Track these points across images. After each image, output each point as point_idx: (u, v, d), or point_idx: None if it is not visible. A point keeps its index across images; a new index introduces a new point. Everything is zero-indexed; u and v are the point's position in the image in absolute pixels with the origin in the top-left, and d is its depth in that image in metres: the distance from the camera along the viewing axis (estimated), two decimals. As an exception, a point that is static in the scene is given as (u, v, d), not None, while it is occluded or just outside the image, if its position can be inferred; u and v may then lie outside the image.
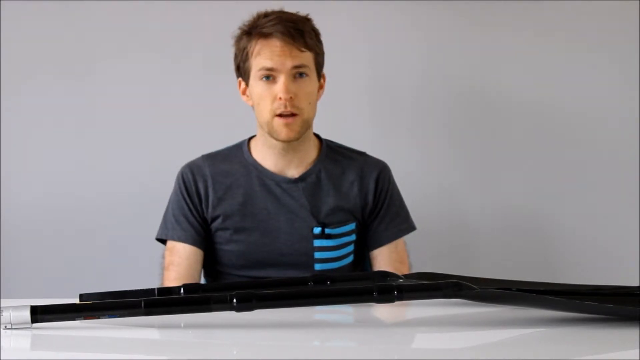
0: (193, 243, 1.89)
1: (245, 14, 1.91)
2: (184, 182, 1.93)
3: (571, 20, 2.46)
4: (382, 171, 1.96)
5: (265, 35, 1.83)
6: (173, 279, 1.86)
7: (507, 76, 2.47)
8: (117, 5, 2.40)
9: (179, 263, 1.88)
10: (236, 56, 1.90)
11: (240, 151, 1.95)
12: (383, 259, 1.94)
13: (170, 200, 1.95)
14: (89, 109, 2.41)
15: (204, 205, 1.91)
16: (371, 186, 1.93)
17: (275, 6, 1.90)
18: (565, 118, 2.48)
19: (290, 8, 1.90)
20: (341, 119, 2.39)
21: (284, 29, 1.82)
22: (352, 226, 1.92)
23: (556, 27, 2.47)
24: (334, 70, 1.99)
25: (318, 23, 1.91)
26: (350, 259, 1.94)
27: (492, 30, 2.47)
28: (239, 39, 1.89)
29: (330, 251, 1.89)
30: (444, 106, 2.47)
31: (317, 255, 1.88)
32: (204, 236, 1.91)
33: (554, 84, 2.47)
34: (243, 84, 1.91)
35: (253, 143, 1.95)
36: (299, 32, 1.84)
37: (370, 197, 1.93)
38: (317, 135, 1.97)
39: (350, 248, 1.93)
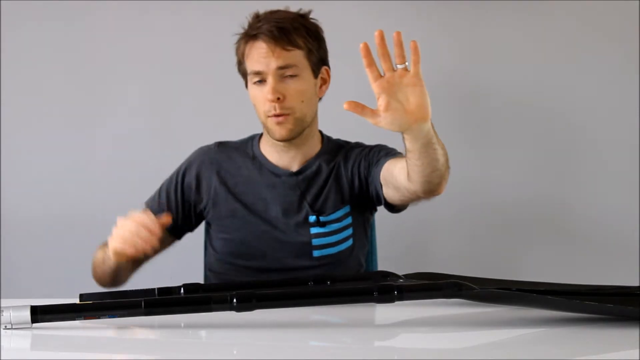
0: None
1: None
2: (189, 163, 1.95)
3: (571, 20, 2.46)
4: (357, 144, 1.96)
5: (253, 38, 1.84)
6: None
7: (508, 77, 2.46)
8: (120, 5, 2.40)
9: None
10: (237, 60, 1.91)
11: (250, 144, 1.97)
12: (389, 164, 1.82)
13: (172, 173, 1.97)
14: (90, 110, 2.41)
15: (202, 191, 1.92)
16: (352, 160, 1.93)
17: (280, 6, 1.89)
18: (564, 118, 2.47)
19: (295, 7, 1.89)
20: (343, 119, 2.38)
21: (267, 30, 1.81)
22: (346, 209, 1.93)
23: (556, 27, 2.46)
24: (337, 70, 1.98)
25: (322, 22, 1.89)
26: (349, 242, 1.94)
27: (494, 30, 2.46)
28: (237, 43, 1.90)
29: (327, 237, 1.91)
30: (444, 107, 2.46)
31: (315, 242, 1.90)
32: (175, 220, 1.89)
33: (553, 84, 2.47)
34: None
35: (262, 138, 1.97)
36: (283, 30, 1.81)
37: (355, 170, 1.92)
38: (321, 132, 1.99)
39: (348, 232, 1.94)
